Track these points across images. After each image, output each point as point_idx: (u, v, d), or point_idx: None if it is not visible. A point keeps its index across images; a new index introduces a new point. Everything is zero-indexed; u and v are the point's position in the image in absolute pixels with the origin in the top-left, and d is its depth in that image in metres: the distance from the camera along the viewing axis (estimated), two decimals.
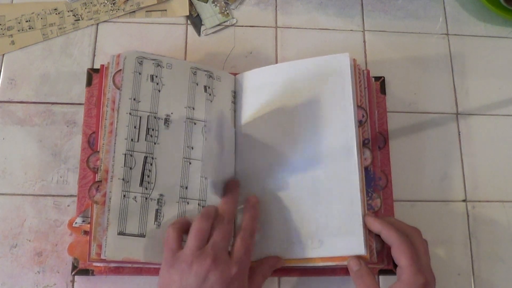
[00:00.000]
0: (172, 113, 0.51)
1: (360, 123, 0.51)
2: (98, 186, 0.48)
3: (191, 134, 0.51)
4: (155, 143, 0.50)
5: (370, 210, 0.50)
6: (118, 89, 0.49)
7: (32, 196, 0.53)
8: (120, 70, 0.50)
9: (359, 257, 0.46)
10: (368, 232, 0.48)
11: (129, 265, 0.49)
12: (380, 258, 0.49)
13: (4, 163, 0.54)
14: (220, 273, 0.41)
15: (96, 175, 0.49)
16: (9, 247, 0.52)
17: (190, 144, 0.51)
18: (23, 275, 0.51)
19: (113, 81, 0.50)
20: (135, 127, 0.49)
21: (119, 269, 0.50)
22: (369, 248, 0.47)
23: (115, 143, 0.48)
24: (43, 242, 0.52)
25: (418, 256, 0.44)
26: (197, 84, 0.53)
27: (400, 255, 0.44)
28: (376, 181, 0.51)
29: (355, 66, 0.52)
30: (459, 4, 0.67)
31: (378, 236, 0.48)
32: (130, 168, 0.48)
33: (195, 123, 0.52)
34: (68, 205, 0.53)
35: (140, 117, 0.49)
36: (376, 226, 0.46)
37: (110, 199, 0.46)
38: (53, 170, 0.54)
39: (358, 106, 0.51)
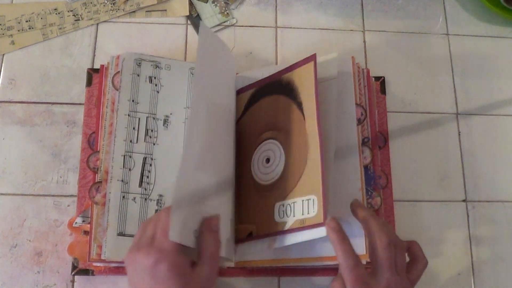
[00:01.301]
0: (171, 114, 0.51)
1: (359, 122, 0.51)
2: (98, 186, 0.48)
3: None
4: (154, 144, 0.50)
5: (370, 208, 0.49)
6: (117, 90, 0.49)
7: (32, 196, 0.53)
8: (119, 72, 0.50)
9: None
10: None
11: None
12: None
13: (4, 163, 0.54)
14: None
15: (96, 175, 0.49)
16: (9, 247, 0.52)
17: None
18: (23, 275, 0.51)
19: (112, 82, 0.50)
20: (134, 128, 0.49)
21: (119, 269, 0.50)
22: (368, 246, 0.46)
23: (114, 145, 0.48)
24: (43, 242, 0.52)
25: (372, 276, 0.40)
26: None
27: (345, 279, 0.40)
28: (376, 180, 0.51)
29: (353, 64, 0.52)
30: (459, 4, 0.67)
31: None
32: (129, 170, 0.48)
33: None
34: (68, 205, 0.53)
35: (139, 118, 0.49)
36: (336, 249, 0.41)
37: (109, 200, 0.46)
38: (53, 170, 0.54)
39: (357, 104, 0.51)
